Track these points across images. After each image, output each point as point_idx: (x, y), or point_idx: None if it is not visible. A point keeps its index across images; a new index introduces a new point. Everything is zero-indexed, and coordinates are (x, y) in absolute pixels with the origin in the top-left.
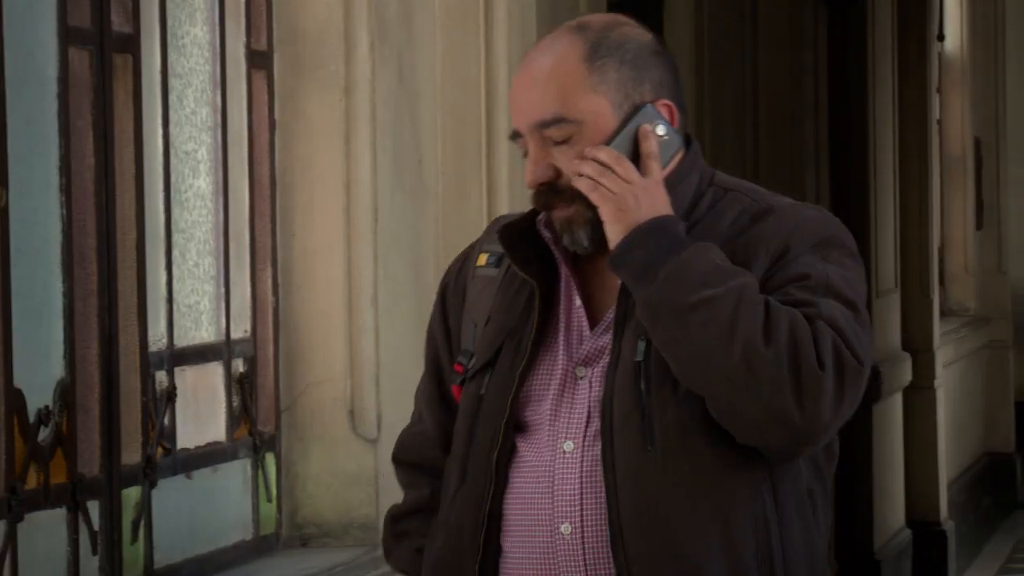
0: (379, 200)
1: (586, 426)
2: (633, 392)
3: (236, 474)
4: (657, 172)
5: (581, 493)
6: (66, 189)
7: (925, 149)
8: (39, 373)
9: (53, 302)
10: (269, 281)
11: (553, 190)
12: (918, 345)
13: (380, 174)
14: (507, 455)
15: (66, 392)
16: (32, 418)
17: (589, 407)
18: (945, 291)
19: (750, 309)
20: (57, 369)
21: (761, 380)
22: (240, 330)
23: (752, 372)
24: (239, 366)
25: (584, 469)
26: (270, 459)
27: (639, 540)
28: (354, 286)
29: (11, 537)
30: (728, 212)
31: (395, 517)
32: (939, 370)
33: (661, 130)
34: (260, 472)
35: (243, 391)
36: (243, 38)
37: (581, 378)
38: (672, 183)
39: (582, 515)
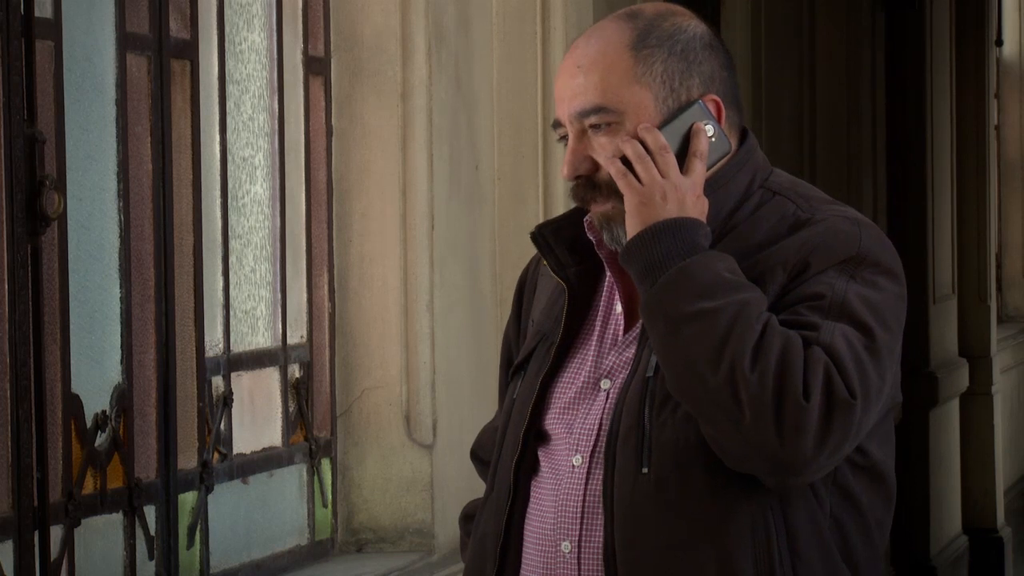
0: (435, 206)
1: (595, 441)
2: (637, 409)
3: (292, 479)
4: (700, 174)
5: (583, 511)
6: (124, 195)
7: (983, 154)
8: (96, 378)
9: (110, 307)
10: (325, 287)
11: (591, 184)
12: (975, 351)
13: (436, 180)
14: (529, 465)
15: (123, 397)
16: (89, 423)
17: (600, 421)
18: (1003, 297)
19: (744, 328)
20: (114, 374)
21: (743, 404)
22: (296, 336)
23: (735, 394)
24: (295, 371)
25: (589, 486)
26: (326, 464)
27: (631, 571)
28: (410, 292)
29: (68, 542)
30: (768, 218)
31: (468, 515)
32: (996, 376)
33: (711, 130)
34: (316, 477)
35: (299, 396)
36: (300, 44)
37: (603, 390)
38: (715, 184)
39: (580, 534)
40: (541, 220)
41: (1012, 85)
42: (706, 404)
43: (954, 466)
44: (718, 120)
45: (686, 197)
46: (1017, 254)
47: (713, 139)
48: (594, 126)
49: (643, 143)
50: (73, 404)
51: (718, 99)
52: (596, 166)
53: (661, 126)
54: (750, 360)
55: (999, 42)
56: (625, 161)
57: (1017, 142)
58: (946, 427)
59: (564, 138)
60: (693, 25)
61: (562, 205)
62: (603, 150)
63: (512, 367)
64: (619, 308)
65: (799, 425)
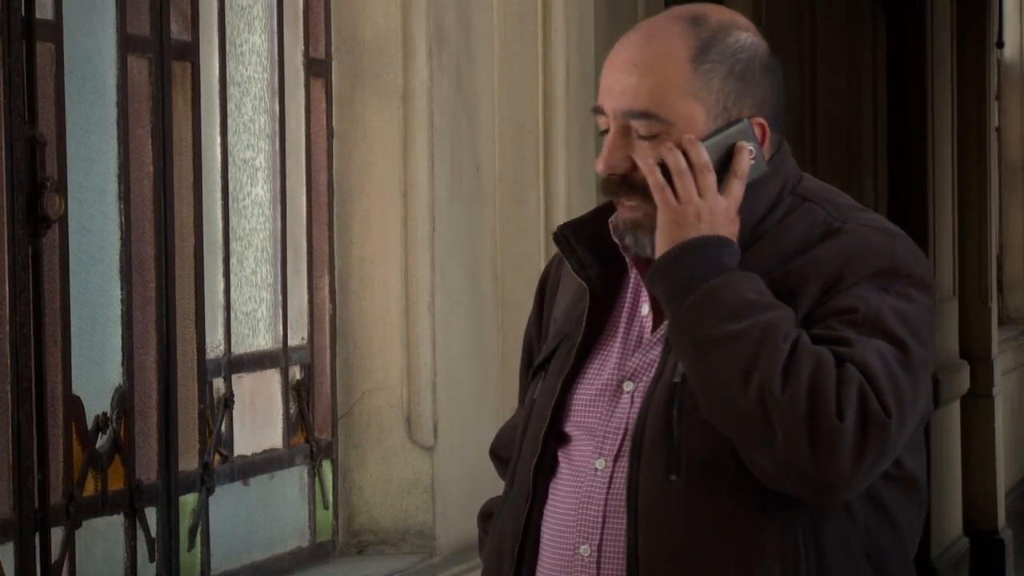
0: (436, 208)
1: (620, 445)
2: (665, 414)
3: (293, 481)
4: (738, 194)
5: (604, 515)
6: (125, 197)
7: (984, 156)
8: (97, 380)
9: (111, 309)
10: (326, 288)
11: (626, 183)
12: (976, 353)
13: (438, 182)
14: (548, 467)
15: (124, 399)
16: (90, 425)
17: (626, 425)
18: (1003, 298)
19: (772, 349)
20: (115, 376)
21: (775, 427)
22: (297, 337)
23: (767, 417)
24: (296, 373)
25: (611, 490)
26: (327, 466)
27: None
28: (411, 293)
29: (69, 544)
30: (798, 226)
31: (486, 513)
32: (997, 378)
33: (752, 152)
34: (317, 479)
35: (300, 398)
36: (301, 46)
37: (627, 392)
38: (746, 193)
39: (602, 538)
40: (541, 221)
41: (1013, 87)
42: (739, 426)
43: (955, 468)
44: (761, 143)
45: (719, 220)
46: (1018, 256)
47: (753, 161)
48: (642, 136)
49: (685, 154)
50: (74, 406)
51: (764, 123)
52: (633, 166)
53: (705, 139)
54: (780, 382)
55: (1000, 44)
56: (664, 171)
57: (1018, 144)
58: (947, 429)
59: (605, 131)
60: (754, 43)
61: (563, 206)
62: (645, 155)
63: (533, 366)
64: (646, 310)
65: (834, 446)
